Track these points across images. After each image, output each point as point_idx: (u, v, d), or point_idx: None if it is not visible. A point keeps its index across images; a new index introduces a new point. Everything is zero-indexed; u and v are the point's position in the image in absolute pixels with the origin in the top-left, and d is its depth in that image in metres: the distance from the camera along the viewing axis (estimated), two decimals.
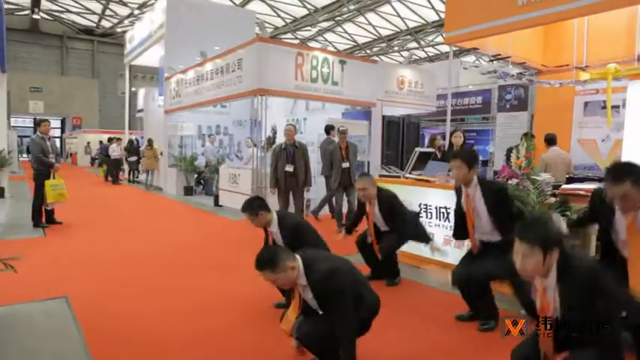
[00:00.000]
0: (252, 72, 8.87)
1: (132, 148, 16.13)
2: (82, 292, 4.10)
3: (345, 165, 7.30)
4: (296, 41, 27.18)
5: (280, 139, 8.87)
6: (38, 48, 30.05)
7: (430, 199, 5.15)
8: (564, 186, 4.14)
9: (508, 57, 7.12)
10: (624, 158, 3.61)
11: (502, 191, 3.56)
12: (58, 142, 28.64)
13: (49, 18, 28.66)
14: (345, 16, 24.68)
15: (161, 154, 13.86)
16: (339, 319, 2.45)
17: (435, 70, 12.83)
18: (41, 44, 30.04)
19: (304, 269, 2.51)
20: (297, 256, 2.54)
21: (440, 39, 25.22)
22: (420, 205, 5.27)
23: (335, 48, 27.76)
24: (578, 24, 7.31)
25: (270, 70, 8.64)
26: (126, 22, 27.09)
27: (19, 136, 22.57)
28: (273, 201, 6.40)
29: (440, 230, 5.06)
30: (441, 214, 5.04)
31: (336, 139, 7.69)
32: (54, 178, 7.09)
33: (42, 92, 29.54)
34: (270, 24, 25.12)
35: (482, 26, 6.05)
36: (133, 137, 18.09)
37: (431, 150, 6.77)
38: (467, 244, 3.75)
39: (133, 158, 15.97)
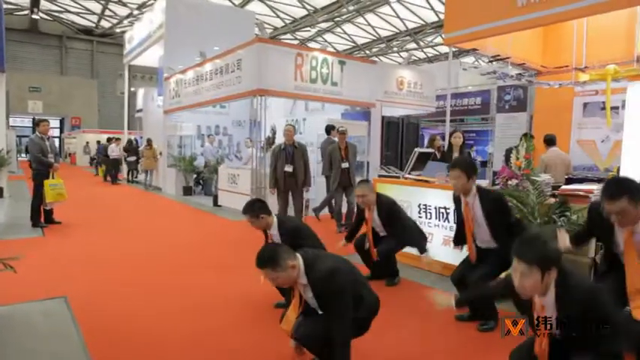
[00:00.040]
0: (252, 72, 8.87)
1: (131, 148, 16.12)
2: (81, 292, 4.10)
3: (345, 165, 7.30)
4: (295, 42, 27.19)
5: (279, 139, 8.87)
6: (37, 48, 30.03)
7: (429, 199, 5.15)
8: (564, 187, 4.15)
9: (507, 58, 7.11)
10: (624, 159, 3.61)
11: (500, 201, 3.54)
12: (56, 142, 28.67)
13: (49, 18, 28.64)
14: (344, 17, 24.71)
15: (160, 154, 13.85)
16: (338, 318, 2.45)
17: (434, 71, 12.84)
18: (40, 44, 30.01)
19: (305, 268, 2.51)
20: (298, 255, 2.54)
21: (439, 40, 25.26)
22: (419, 206, 5.28)
23: (334, 49, 27.78)
24: (577, 25, 7.31)
25: (269, 70, 8.64)
26: (125, 22, 27.08)
27: (17, 136, 22.55)
28: (272, 201, 6.39)
29: (439, 230, 5.06)
30: (441, 215, 5.04)
31: (337, 139, 7.70)
32: (53, 177, 7.08)
33: (41, 92, 29.51)
34: (269, 24, 25.13)
35: (482, 27, 6.05)
36: (132, 137, 18.07)
37: (430, 150, 6.77)
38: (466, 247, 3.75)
39: (132, 158, 15.96)
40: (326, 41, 27.15)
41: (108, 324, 3.43)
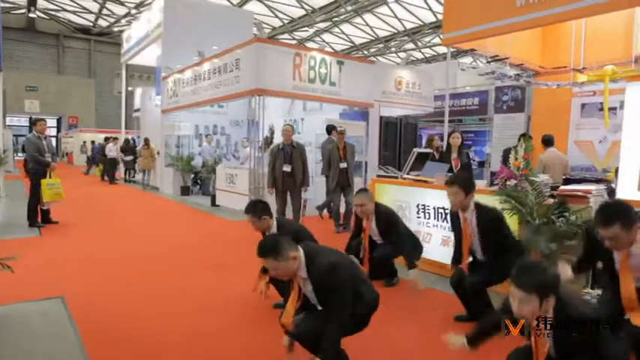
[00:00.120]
0: (250, 72, 8.86)
1: (128, 148, 16.08)
2: (79, 292, 4.07)
3: (343, 165, 7.29)
4: (293, 42, 27.18)
5: (278, 139, 8.86)
6: (34, 47, 29.92)
7: (428, 199, 5.15)
8: (562, 187, 4.15)
9: (506, 58, 7.13)
10: (623, 159, 3.62)
11: (498, 220, 3.51)
12: (54, 141, 28.59)
13: (46, 17, 28.55)
14: (342, 17, 24.71)
15: (158, 153, 13.82)
16: (336, 312, 2.45)
17: (432, 71, 12.85)
18: (37, 43, 29.91)
19: (306, 261, 2.51)
20: (300, 248, 2.53)
21: (437, 40, 25.29)
22: (417, 206, 5.28)
23: (332, 49, 27.76)
24: (575, 26, 7.34)
25: (267, 70, 8.63)
26: (123, 21, 27.01)
27: (14, 135, 22.46)
28: (270, 201, 6.36)
29: (438, 231, 5.06)
30: (439, 215, 5.03)
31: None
32: (50, 177, 7.05)
33: (38, 91, 29.41)
34: (267, 24, 25.10)
35: (481, 27, 6.07)
36: (129, 137, 18.02)
37: (429, 151, 6.77)
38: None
39: (129, 157, 15.91)
40: (324, 41, 27.13)
41: (105, 324, 3.41)
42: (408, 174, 5.60)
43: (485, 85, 12.52)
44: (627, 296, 2.48)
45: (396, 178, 5.71)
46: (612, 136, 7.50)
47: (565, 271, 2.79)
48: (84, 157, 27.27)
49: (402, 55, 22.62)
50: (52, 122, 30.93)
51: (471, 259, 3.62)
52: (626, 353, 2.17)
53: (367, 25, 25.54)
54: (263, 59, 8.60)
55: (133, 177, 16.25)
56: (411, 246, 4.43)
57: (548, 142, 6.67)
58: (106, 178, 16.25)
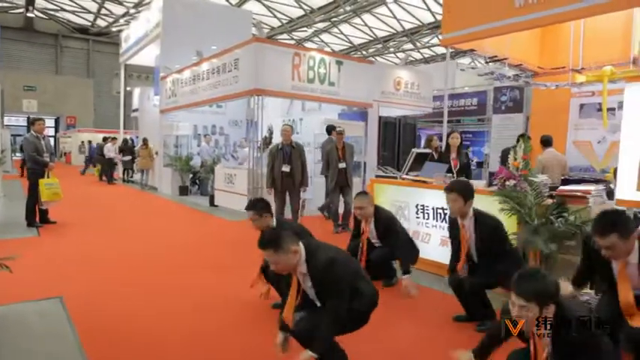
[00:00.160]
0: (249, 72, 8.85)
1: (126, 148, 16.05)
2: (77, 292, 4.07)
3: (342, 165, 7.29)
4: (292, 42, 27.17)
5: (277, 139, 8.86)
6: (32, 46, 29.82)
7: (427, 199, 5.15)
8: (561, 187, 4.15)
9: (505, 59, 7.14)
10: (622, 159, 3.62)
11: (498, 229, 3.51)
12: (52, 141, 28.48)
13: (44, 16, 28.47)
14: (341, 17, 24.71)
15: (156, 153, 13.80)
16: (332, 306, 2.44)
17: (430, 72, 12.87)
18: (35, 43, 29.81)
19: (306, 255, 2.51)
20: (301, 243, 2.53)
21: (435, 40, 25.32)
22: (416, 206, 5.28)
23: (331, 49, 27.73)
24: (574, 26, 7.36)
25: (266, 70, 8.62)
26: (121, 21, 26.96)
27: (12, 135, 22.39)
28: (269, 201, 6.37)
29: (436, 231, 5.06)
30: (438, 215, 5.03)
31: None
32: (48, 177, 7.04)
33: (36, 91, 29.30)
34: (266, 24, 25.07)
35: (480, 28, 6.07)
36: (128, 137, 17.99)
37: (428, 151, 6.77)
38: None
39: (128, 157, 15.88)
40: (323, 41, 27.10)
41: (104, 324, 3.41)
42: (407, 174, 5.60)
43: (483, 85, 12.54)
44: (626, 304, 2.49)
45: (395, 178, 5.71)
46: (611, 137, 7.51)
47: (565, 287, 2.79)
48: (82, 157, 27.21)
49: (401, 55, 22.65)
50: (50, 122, 30.81)
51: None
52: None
53: (366, 25, 25.54)
54: (262, 59, 8.60)
55: (132, 177, 16.22)
56: (407, 251, 4.44)
57: (546, 142, 6.68)
58: (104, 178, 16.21)
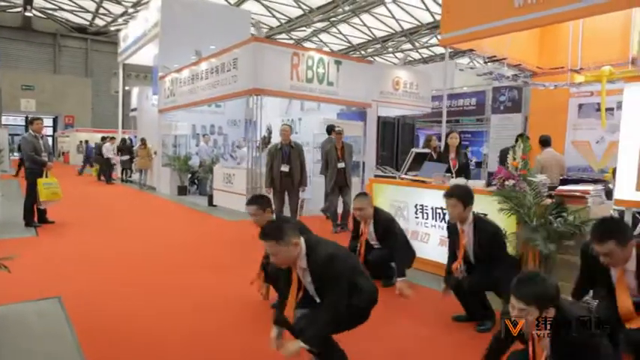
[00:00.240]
0: (248, 72, 8.84)
1: (124, 147, 16.02)
2: (75, 292, 4.05)
3: (341, 165, 7.29)
4: (290, 42, 27.15)
5: (275, 138, 8.85)
6: (30, 46, 29.73)
7: (426, 199, 5.15)
8: (560, 187, 4.15)
9: (504, 59, 7.15)
10: (621, 159, 3.62)
11: (497, 236, 3.52)
12: (50, 140, 28.40)
13: (42, 16, 28.40)
14: (339, 17, 24.71)
15: (155, 153, 13.78)
16: (330, 302, 2.44)
17: (429, 72, 12.87)
18: (34, 42, 29.73)
19: (306, 250, 2.51)
20: (302, 238, 2.54)
21: (434, 40, 25.33)
22: (415, 206, 5.28)
23: (329, 49, 27.69)
24: (573, 27, 7.36)
25: (265, 70, 8.62)
26: (120, 20, 26.91)
27: (10, 135, 22.34)
28: None
29: (435, 231, 5.06)
30: (437, 215, 5.04)
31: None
32: (46, 176, 7.02)
33: (34, 90, 29.23)
34: (264, 24, 25.06)
35: (478, 28, 6.07)
36: (126, 136, 17.96)
37: (427, 151, 6.77)
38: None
39: (126, 157, 15.86)
40: (321, 41, 27.10)
41: (102, 324, 3.40)
42: (406, 174, 5.59)
43: (482, 85, 12.55)
44: (625, 311, 2.50)
45: (394, 178, 5.71)
46: (609, 137, 7.53)
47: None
48: (80, 157, 27.17)
49: (400, 55, 22.65)
50: (48, 122, 30.73)
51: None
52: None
53: (365, 25, 25.54)
54: (261, 59, 8.59)
55: (130, 177, 16.19)
56: (405, 254, 4.44)
57: (545, 142, 6.69)
58: (102, 177, 16.18)
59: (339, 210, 7.53)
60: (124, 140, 16.75)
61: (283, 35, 27.71)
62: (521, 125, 10.22)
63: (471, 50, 7.27)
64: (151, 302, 3.94)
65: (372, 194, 5.35)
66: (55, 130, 32.84)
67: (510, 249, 3.83)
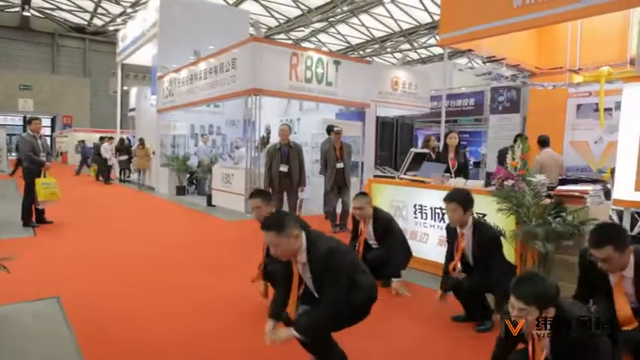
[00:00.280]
0: (247, 72, 8.84)
1: (123, 147, 16.00)
2: (74, 293, 4.05)
3: (340, 165, 7.29)
4: (289, 42, 27.14)
5: (274, 138, 8.84)
6: (28, 45, 29.67)
7: (425, 199, 5.15)
8: (559, 187, 4.16)
9: (502, 59, 7.16)
10: (620, 159, 3.64)
11: (496, 241, 3.51)
12: (48, 140, 28.33)
13: (40, 15, 28.35)
14: (338, 17, 24.71)
15: (153, 153, 13.76)
16: (329, 297, 2.43)
17: (428, 72, 12.88)
18: (32, 42, 29.67)
19: (307, 244, 2.50)
20: (303, 232, 2.53)
21: (433, 41, 25.35)
22: (414, 206, 5.28)
23: (328, 49, 27.73)
24: (572, 27, 7.37)
25: (264, 70, 8.61)
26: (118, 20, 26.89)
27: (7, 135, 22.29)
28: None
29: (435, 231, 5.06)
30: (436, 215, 5.04)
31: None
32: (45, 176, 7.00)
33: (32, 90, 29.18)
34: (263, 24, 25.05)
35: (477, 28, 6.08)
36: (125, 136, 17.94)
37: (426, 151, 6.77)
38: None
39: (124, 157, 15.83)
40: (320, 41, 27.14)
41: (101, 324, 3.39)
42: (405, 174, 5.60)
43: (481, 85, 12.55)
44: (623, 317, 2.50)
45: (393, 178, 5.71)
46: (608, 137, 7.55)
47: None
48: (78, 157, 27.12)
49: (398, 55, 22.68)
50: (46, 122, 30.63)
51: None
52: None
53: (363, 25, 25.55)
54: (259, 59, 8.58)
55: (129, 177, 16.16)
56: (402, 255, 4.46)
57: (543, 142, 6.70)
58: (100, 178, 16.15)
59: (338, 210, 7.53)
60: (122, 140, 16.73)
61: (282, 35, 27.71)
62: (520, 125, 10.23)
63: (470, 50, 7.27)
64: (151, 302, 3.94)
65: (371, 194, 5.35)
66: (53, 130, 32.79)
67: (509, 250, 3.84)
